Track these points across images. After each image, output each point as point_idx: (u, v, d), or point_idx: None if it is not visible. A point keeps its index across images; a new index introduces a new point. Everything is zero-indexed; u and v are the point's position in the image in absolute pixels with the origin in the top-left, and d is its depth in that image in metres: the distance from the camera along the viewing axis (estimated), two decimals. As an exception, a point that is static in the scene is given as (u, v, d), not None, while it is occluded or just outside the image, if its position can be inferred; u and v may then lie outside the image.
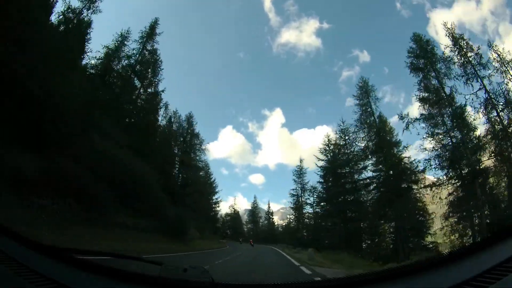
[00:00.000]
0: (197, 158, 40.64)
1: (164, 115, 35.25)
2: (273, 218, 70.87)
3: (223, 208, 72.84)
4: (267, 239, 57.49)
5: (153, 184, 18.02)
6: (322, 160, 33.99)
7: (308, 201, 43.03)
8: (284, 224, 60.84)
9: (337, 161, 31.91)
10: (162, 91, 26.62)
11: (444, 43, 20.84)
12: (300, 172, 47.45)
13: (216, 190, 53.19)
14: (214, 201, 52.32)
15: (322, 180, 34.22)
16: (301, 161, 49.08)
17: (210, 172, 51.34)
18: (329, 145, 34.25)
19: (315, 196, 39.97)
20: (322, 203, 35.52)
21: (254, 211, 72.47)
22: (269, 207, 69.80)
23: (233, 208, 71.95)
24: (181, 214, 20.58)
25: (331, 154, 33.44)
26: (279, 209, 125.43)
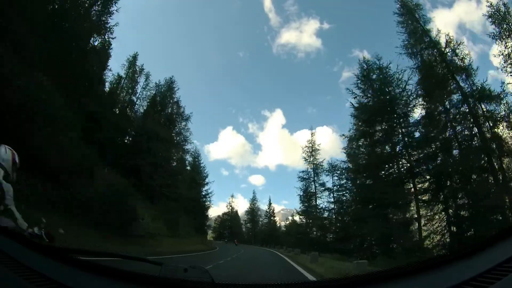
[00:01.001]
0: (181, 129, 33.38)
1: (143, 86, 31.57)
2: (274, 217, 64.75)
3: (223, 209, 69.75)
4: (267, 241, 52.70)
5: (58, 122, 10.36)
6: (359, 96, 22.24)
7: (327, 185, 33.70)
8: (287, 223, 53.25)
9: (386, 94, 20.58)
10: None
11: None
12: (312, 149, 36.38)
13: (207, 181, 45.73)
14: (204, 193, 44.79)
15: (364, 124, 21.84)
16: (312, 134, 37.92)
17: (197, 155, 44.97)
18: (370, 72, 22.12)
19: (335, 177, 31.61)
20: (355, 179, 24.02)
21: (253, 209, 66.33)
22: (270, 203, 63.04)
23: (231, 206, 66.88)
24: (122, 189, 13.34)
25: (376, 83, 21.66)
26: (279, 210, 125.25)
